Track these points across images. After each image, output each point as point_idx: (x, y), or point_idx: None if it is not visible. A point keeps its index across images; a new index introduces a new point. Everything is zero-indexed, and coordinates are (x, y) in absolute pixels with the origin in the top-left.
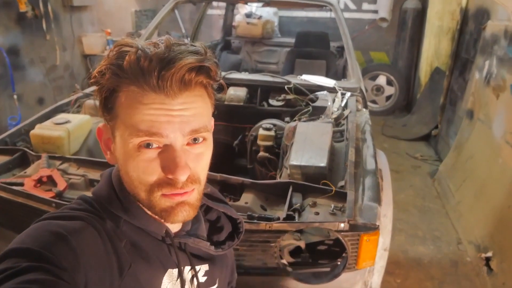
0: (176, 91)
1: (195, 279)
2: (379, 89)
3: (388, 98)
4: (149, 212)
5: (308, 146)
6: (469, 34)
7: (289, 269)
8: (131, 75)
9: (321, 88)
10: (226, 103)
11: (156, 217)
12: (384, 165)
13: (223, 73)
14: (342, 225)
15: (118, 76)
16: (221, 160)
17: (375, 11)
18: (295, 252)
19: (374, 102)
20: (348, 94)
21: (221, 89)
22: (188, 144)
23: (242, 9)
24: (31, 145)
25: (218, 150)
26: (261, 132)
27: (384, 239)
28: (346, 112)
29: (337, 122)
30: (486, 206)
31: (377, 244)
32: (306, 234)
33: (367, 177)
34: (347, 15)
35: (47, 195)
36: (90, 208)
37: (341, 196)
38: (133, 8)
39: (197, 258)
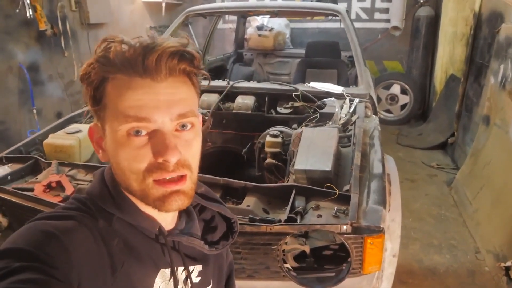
0: (162, 76)
1: (188, 280)
2: (393, 98)
3: (403, 107)
4: (142, 209)
5: (313, 151)
6: (483, 39)
7: (293, 273)
8: (118, 64)
9: (329, 95)
10: (234, 111)
11: (150, 214)
12: (393, 169)
13: (231, 82)
14: (344, 227)
15: (106, 66)
16: (231, 169)
17: (388, 20)
18: (300, 257)
19: (388, 111)
20: (357, 100)
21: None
22: (176, 130)
23: (254, 22)
24: (44, 154)
25: (227, 158)
26: (268, 139)
27: (393, 245)
28: (353, 118)
29: (344, 127)
30: (505, 213)
31: (382, 248)
32: (311, 239)
33: (373, 181)
34: (359, 25)
35: (55, 200)
36: (82, 207)
37: (344, 199)
38: (148, 24)
39: (190, 258)
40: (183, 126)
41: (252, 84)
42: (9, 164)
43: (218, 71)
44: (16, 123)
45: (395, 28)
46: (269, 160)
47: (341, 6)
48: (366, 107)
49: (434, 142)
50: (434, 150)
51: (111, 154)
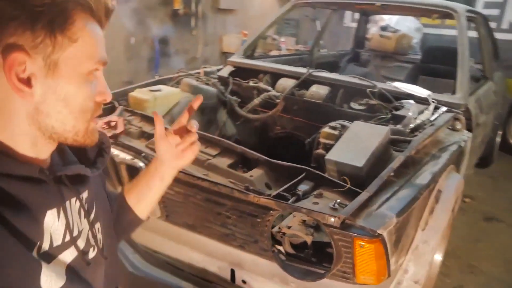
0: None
1: (82, 209)
2: None
3: None
4: (20, 155)
5: (353, 145)
6: None
7: (282, 256)
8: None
9: (411, 97)
10: (306, 99)
11: (29, 156)
12: (450, 189)
13: (310, 70)
14: (332, 219)
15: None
16: (294, 156)
17: None
18: (302, 247)
19: None
20: (443, 109)
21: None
22: None
23: (381, 22)
24: (128, 104)
25: (293, 145)
26: (325, 129)
27: (416, 269)
28: (426, 124)
29: (413, 133)
30: None
31: (380, 257)
32: (321, 233)
33: (405, 189)
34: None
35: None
36: None
37: (354, 195)
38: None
39: (76, 187)
40: None
41: (330, 75)
42: None
43: (328, 67)
44: None
45: None
46: (319, 151)
47: (461, 5)
48: (456, 118)
49: None
50: None
51: (58, 94)
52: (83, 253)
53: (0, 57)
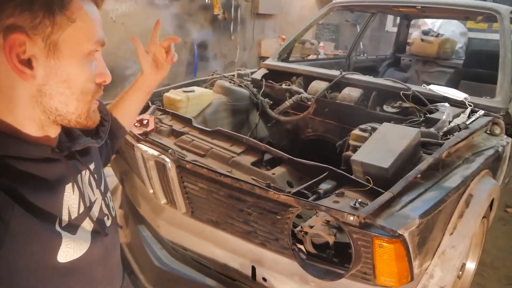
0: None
1: (92, 180)
2: None
3: None
4: (33, 134)
5: (381, 146)
6: None
7: (302, 255)
8: None
9: (446, 100)
10: (337, 101)
11: (39, 137)
12: (483, 193)
13: (344, 72)
14: (351, 218)
15: None
16: (326, 159)
17: None
18: (324, 247)
19: None
20: (481, 112)
21: None
22: None
23: (424, 26)
24: (162, 104)
25: (324, 148)
26: (355, 131)
27: (443, 274)
28: (461, 127)
29: (446, 136)
30: None
31: (401, 259)
32: (343, 233)
33: (432, 191)
34: None
35: (136, 131)
36: None
37: (377, 195)
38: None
39: (85, 159)
40: None
41: (363, 77)
42: None
43: (366, 71)
44: None
45: None
46: (348, 152)
47: (505, 7)
48: (494, 123)
49: None
50: None
51: (59, 75)
52: (98, 222)
53: (1, 38)
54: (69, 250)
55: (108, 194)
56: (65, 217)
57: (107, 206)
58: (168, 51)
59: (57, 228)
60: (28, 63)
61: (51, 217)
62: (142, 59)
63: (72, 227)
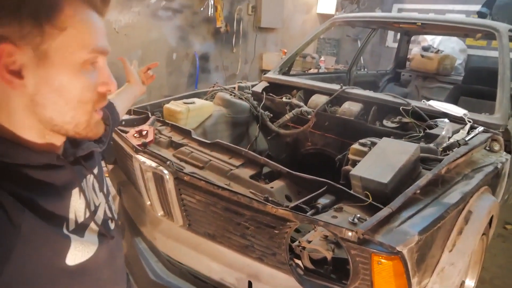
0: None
1: (95, 183)
2: None
3: None
4: (39, 142)
5: (380, 161)
6: None
7: (299, 271)
8: None
9: (446, 116)
10: (337, 115)
11: (44, 144)
12: (482, 210)
13: (344, 87)
14: (350, 233)
15: None
16: (324, 173)
17: None
18: (322, 262)
19: None
20: (480, 129)
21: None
22: None
23: (424, 42)
24: (162, 115)
25: (324, 162)
26: (355, 146)
27: None
28: (460, 143)
29: (445, 152)
30: None
31: (400, 276)
32: (342, 249)
33: (431, 207)
34: None
35: (135, 142)
36: None
37: (376, 210)
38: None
39: (89, 164)
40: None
41: (363, 92)
42: (132, 115)
43: (366, 86)
44: None
45: None
46: (347, 167)
47: (504, 25)
48: (493, 139)
49: None
50: None
51: (50, 85)
52: (103, 225)
53: None
54: (78, 253)
55: (110, 197)
56: (72, 221)
57: (110, 209)
58: (146, 74)
59: (65, 231)
60: (18, 73)
61: (60, 221)
62: (128, 74)
63: (80, 230)
